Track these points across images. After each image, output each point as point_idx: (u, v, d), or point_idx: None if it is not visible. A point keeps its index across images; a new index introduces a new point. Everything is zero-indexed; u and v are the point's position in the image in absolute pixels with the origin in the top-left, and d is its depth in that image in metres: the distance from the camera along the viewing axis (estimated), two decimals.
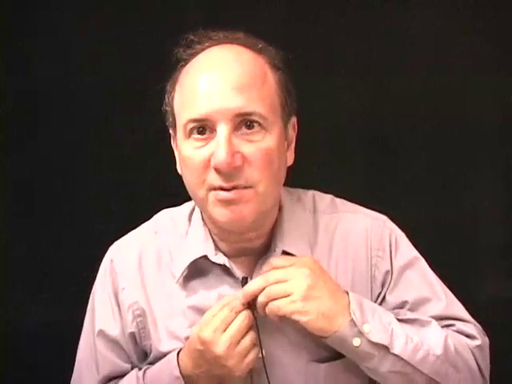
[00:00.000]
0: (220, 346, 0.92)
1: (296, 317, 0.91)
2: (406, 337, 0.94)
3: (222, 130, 0.90)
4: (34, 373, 1.70)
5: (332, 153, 1.66)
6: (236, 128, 0.91)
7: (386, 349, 0.93)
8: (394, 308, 1.03)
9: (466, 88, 1.63)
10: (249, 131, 0.92)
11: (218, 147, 0.90)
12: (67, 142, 1.68)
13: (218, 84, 0.91)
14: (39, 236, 1.71)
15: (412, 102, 1.64)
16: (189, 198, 1.06)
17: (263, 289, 0.93)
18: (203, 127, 0.92)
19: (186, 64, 0.98)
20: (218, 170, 0.91)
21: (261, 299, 0.93)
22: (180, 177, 1.03)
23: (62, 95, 1.67)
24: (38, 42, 1.66)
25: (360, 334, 0.92)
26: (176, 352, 1.00)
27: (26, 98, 1.68)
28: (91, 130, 1.67)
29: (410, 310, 1.03)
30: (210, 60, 0.95)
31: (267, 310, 0.93)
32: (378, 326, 0.93)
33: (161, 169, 1.68)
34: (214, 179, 0.92)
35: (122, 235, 1.14)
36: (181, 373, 0.98)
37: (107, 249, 1.13)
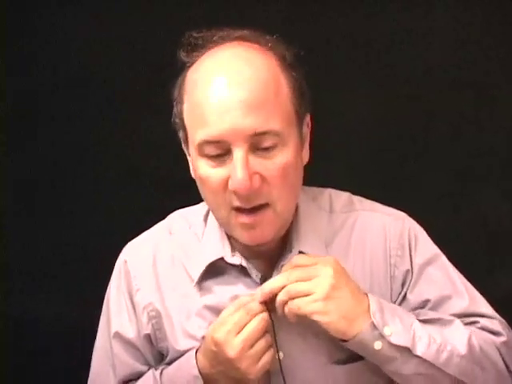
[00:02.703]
0: (232, 349, 0.90)
1: (316, 317, 0.88)
2: (428, 338, 0.91)
3: (238, 152, 0.87)
4: (34, 372, 1.71)
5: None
6: (251, 146, 0.88)
7: (408, 351, 0.90)
8: (416, 307, 1.00)
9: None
10: (265, 149, 0.89)
11: (235, 170, 0.87)
12: (67, 142, 1.69)
13: (229, 99, 0.87)
14: (39, 236, 1.71)
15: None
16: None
17: (283, 287, 0.90)
18: (217, 147, 0.89)
19: (191, 66, 0.94)
20: (236, 193, 0.89)
21: (280, 297, 0.90)
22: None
23: (61, 95, 1.68)
24: (38, 42, 1.66)
25: (381, 337, 0.89)
26: (194, 351, 0.98)
27: (26, 98, 1.69)
28: (91, 130, 1.67)
29: (433, 308, 0.99)
30: (218, 68, 0.90)
31: (286, 309, 0.90)
32: (399, 327, 0.90)
33: (161, 168, 1.69)
34: (233, 200, 0.90)
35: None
36: (199, 372, 0.96)
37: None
